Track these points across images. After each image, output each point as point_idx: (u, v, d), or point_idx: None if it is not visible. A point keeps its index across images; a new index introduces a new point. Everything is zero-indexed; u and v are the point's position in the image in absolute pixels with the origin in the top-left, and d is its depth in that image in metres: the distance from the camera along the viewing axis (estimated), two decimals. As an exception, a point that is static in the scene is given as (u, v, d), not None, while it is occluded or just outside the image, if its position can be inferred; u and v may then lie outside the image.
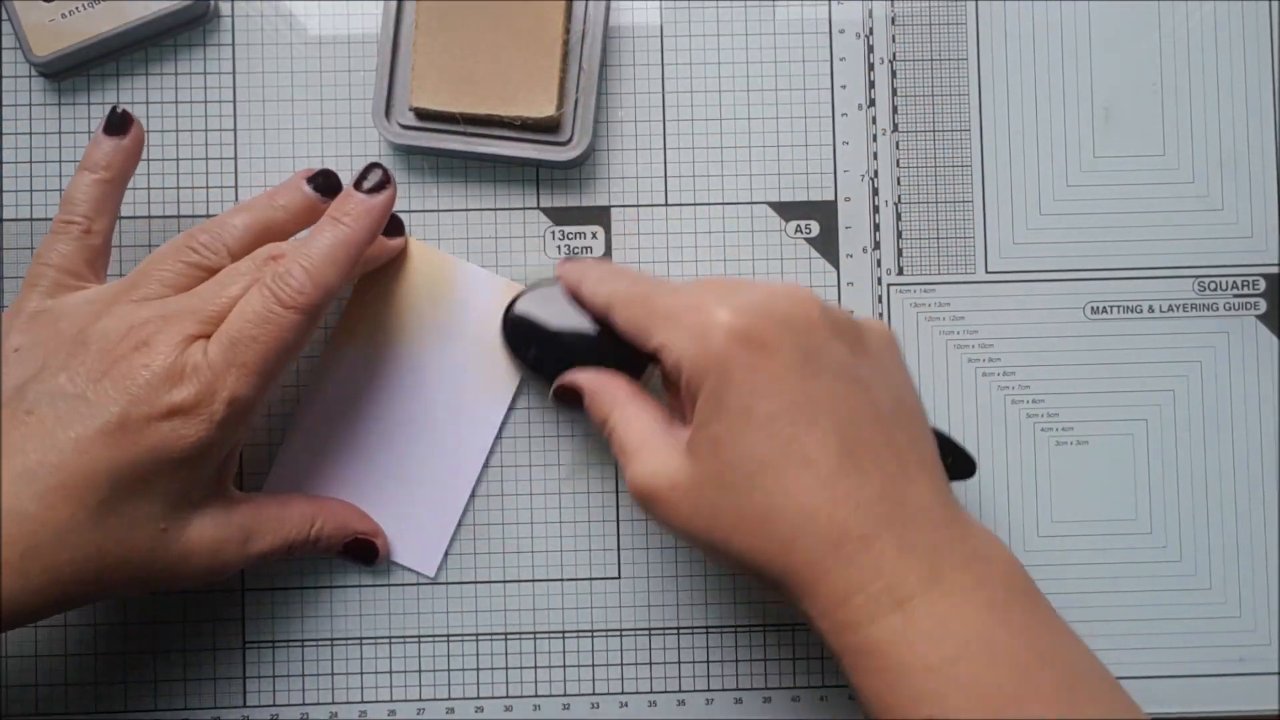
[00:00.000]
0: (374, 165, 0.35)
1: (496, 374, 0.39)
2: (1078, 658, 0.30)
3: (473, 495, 0.39)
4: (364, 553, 0.38)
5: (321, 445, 0.39)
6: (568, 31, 0.38)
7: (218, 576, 0.34)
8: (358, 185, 0.34)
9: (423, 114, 0.38)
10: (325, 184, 0.35)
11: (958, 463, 0.37)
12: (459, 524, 0.39)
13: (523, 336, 0.37)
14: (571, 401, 0.36)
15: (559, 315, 0.37)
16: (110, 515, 0.30)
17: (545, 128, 0.38)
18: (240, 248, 0.34)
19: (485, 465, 0.39)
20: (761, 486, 0.30)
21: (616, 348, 0.35)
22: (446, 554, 0.39)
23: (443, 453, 0.39)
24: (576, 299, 0.36)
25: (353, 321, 0.39)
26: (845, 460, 0.30)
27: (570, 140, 0.39)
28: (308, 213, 0.35)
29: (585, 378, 0.35)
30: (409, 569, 0.39)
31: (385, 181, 0.34)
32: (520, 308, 0.37)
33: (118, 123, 0.35)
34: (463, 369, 0.39)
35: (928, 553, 0.29)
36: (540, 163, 0.39)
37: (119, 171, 0.35)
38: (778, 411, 0.30)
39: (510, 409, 0.39)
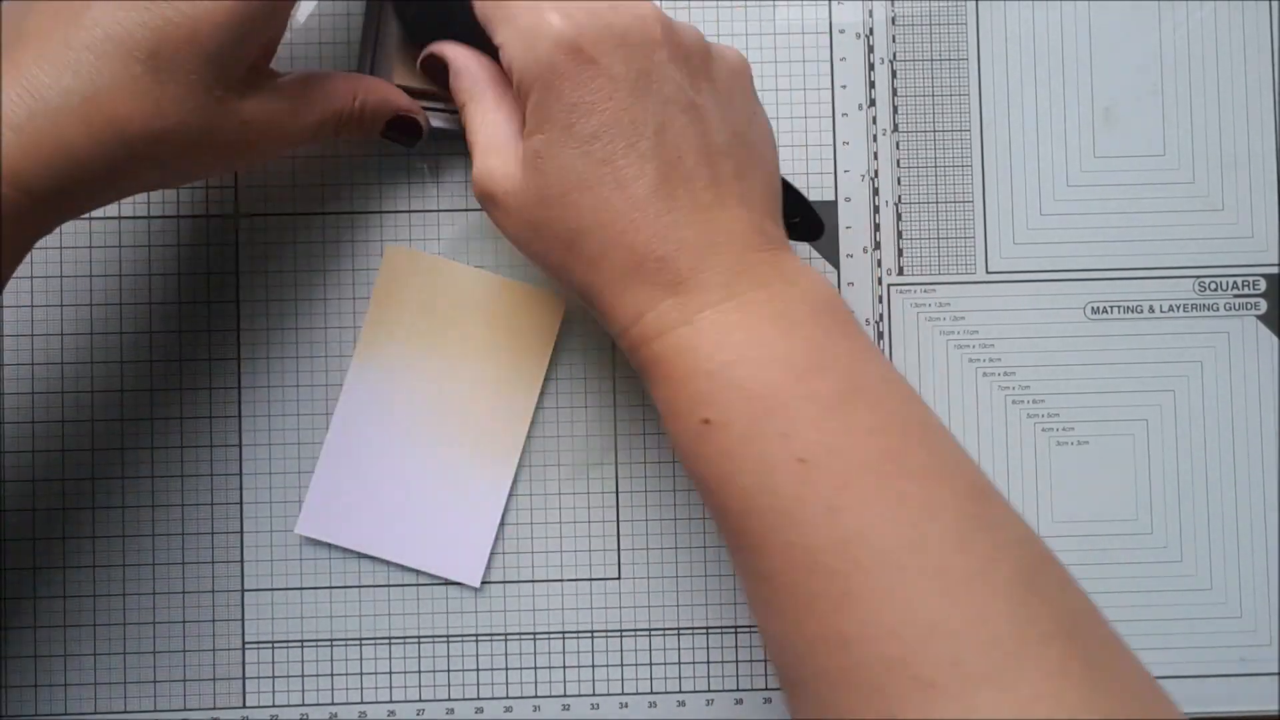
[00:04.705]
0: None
1: (522, 376, 0.39)
2: (866, 369, 0.29)
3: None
4: (407, 128, 0.37)
5: (354, 469, 0.39)
6: None
7: (276, 149, 0.34)
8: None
9: (404, 91, 0.38)
10: None
11: (805, 222, 0.37)
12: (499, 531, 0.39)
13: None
14: (437, 75, 0.35)
15: None
16: (163, 74, 0.29)
17: None
18: None
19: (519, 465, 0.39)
20: (575, 204, 0.30)
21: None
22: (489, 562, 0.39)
23: (474, 461, 0.39)
24: None
25: (372, 341, 0.39)
26: (660, 186, 0.30)
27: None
28: None
29: (455, 53, 0.34)
30: (454, 581, 0.39)
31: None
32: None
33: None
34: (487, 375, 0.39)
35: (726, 275, 0.29)
36: None
37: None
38: (599, 130, 0.29)
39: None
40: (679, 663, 0.39)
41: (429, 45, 0.35)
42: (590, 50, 0.29)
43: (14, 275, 0.39)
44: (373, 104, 0.36)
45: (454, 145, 0.39)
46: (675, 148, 0.30)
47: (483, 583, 0.39)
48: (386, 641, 0.39)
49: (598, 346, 0.40)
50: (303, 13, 0.40)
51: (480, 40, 0.33)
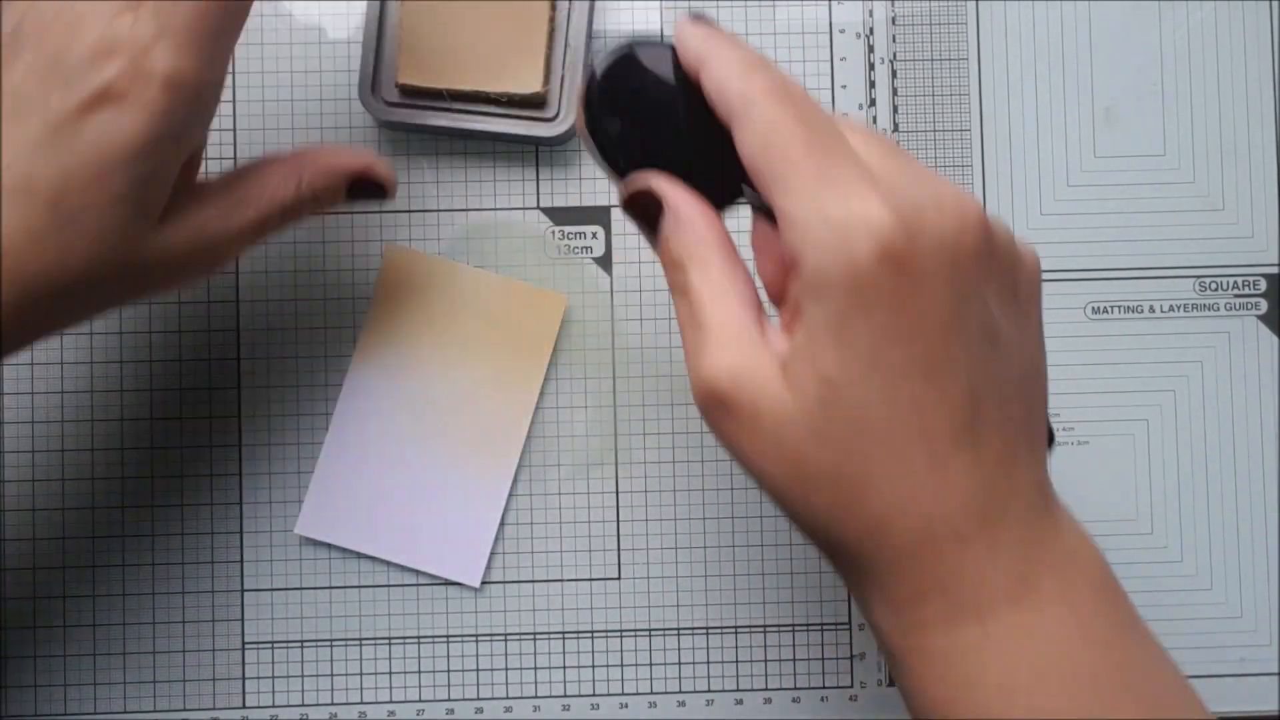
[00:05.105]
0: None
1: (522, 377, 0.39)
2: (1162, 677, 0.26)
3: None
4: (370, 190, 0.33)
5: (354, 469, 0.39)
6: (554, 8, 0.38)
7: (212, 263, 0.31)
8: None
9: (408, 90, 0.38)
10: None
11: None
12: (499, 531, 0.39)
13: (610, 105, 0.28)
14: (644, 215, 0.27)
15: (656, 88, 0.27)
16: (67, 220, 0.27)
17: (532, 104, 0.38)
18: None
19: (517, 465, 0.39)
20: (865, 451, 0.24)
21: (720, 154, 0.26)
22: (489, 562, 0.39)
23: (474, 461, 0.39)
24: (692, 79, 0.27)
25: (372, 341, 0.39)
26: (962, 437, 0.24)
27: (557, 116, 0.39)
28: None
29: (675, 196, 0.27)
30: (454, 581, 0.39)
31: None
32: (616, 67, 0.28)
33: None
34: (487, 375, 0.39)
35: (1019, 553, 0.25)
36: (526, 139, 0.39)
37: None
38: (908, 364, 0.24)
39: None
40: (679, 663, 0.39)
41: (634, 176, 0.27)
42: (915, 261, 0.24)
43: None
44: (321, 181, 0.32)
45: (453, 145, 0.39)
46: (981, 393, 0.25)
47: (483, 583, 0.39)
48: (386, 641, 0.39)
49: (598, 346, 0.40)
50: (302, 13, 0.40)
51: (686, 164, 0.27)
